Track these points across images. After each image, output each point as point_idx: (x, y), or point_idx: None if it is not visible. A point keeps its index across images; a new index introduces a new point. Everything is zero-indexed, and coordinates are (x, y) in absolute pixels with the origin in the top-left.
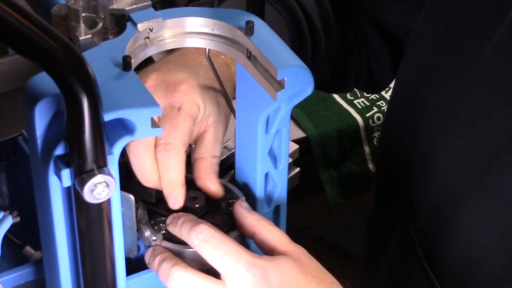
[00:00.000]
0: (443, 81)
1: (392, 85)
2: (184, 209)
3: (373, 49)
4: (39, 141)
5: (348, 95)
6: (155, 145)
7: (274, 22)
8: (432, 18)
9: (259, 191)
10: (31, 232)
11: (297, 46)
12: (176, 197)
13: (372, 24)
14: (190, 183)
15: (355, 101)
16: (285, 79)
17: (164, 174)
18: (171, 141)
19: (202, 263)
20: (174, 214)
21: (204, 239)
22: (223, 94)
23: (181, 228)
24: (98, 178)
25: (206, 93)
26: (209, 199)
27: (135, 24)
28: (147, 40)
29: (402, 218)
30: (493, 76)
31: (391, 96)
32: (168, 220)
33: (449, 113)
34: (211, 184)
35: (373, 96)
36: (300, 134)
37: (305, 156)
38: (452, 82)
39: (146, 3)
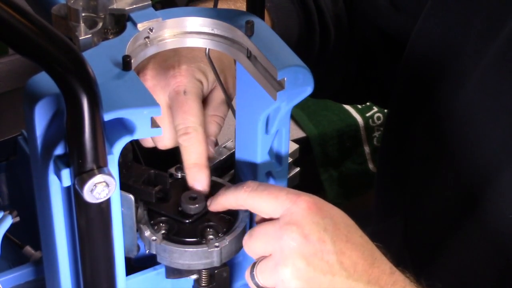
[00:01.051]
0: (435, 101)
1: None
2: (183, 209)
3: (381, 60)
4: (39, 141)
5: None
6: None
7: (284, 9)
8: (425, 35)
9: None
10: (31, 232)
11: (305, 35)
12: (200, 180)
13: (377, 35)
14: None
15: None
16: (285, 79)
17: (187, 158)
18: (189, 124)
19: (202, 263)
20: (214, 196)
21: (252, 189)
22: (223, 92)
23: (225, 194)
24: (98, 178)
25: (205, 66)
26: (209, 199)
27: (135, 24)
28: (147, 40)
29: (396, 238)
30: (485, 98)
31: (386, 115)
32: (209, 202)
33: (441, 134)
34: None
35: None
36: (300, 134)
37: (305, 156)
38: (444, 102)
39: (146, 3)
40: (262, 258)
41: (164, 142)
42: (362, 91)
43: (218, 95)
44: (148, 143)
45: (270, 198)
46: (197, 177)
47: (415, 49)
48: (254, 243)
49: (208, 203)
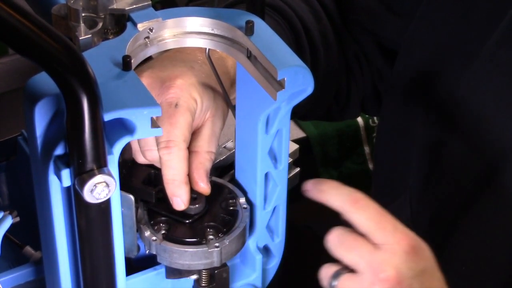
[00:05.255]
0: (440, 84)
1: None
2: (184, 210)
3: (377, 68)
4: (39, 141)
5: None
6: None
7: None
8: (427, 22)
9: (259, 191)
10: (31, 232)
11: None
12: (180, 196)
13: (373, 42)
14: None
15: None
16: (285, 79)
17: (166, 172)
18: (172, 138)
19: (202, 263)
20: (313, 180)
21: (360, 208)
22: (222, 92)
23: (329, 194)
24: (98, 178)
25: (202, 87)
26: (209, 199)
27: (135, 24)
28: (147, 40)
29: (402, 222)
30: (495, 77)
31: (383, 104)
32: (308, 186)
33: (450, 116)
34: (199, 180)
35: None
36: (300, 134)
37: (305, 156)
38: (450, 84)
39: (146, 3)
40: (347, 271)
41: (153, 153)
42: (355, 105)
43: (211, 128)
44: (141, 159)
45: (376, 225)
46: (176, 192)
47: (415, 40)
48: (343, 252)
49: (307, 186)
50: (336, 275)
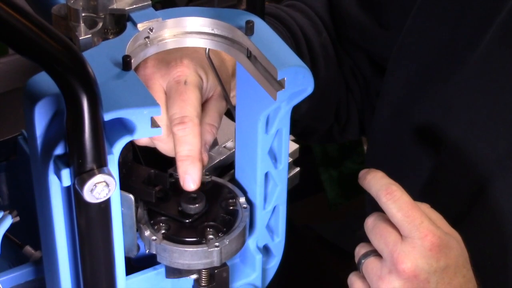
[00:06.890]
0: (431, 92)
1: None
2: (183, 209)
3: (374, 86)
4: (39, 140)
5: None
6: (171, 122)
7: None
8: (414, 34)
9: (259, 190)
10: (30, 232)
11: None
12: (191, 174)
13: (366, 59)
14: None
15: None
16: (285, 78)
17: (181, 149)
18: (186, 114)
19: (202, 262)
20: (365, 170)
21: (392, 199)
22: (223, 92)
23: (369, 183)
24: (98, 177)
25: (207, 67)
26: (208, 198)
27: (135, 24)
28: (147, 40)
29: None
30: (487, 82)
31: (375, 114)
32: (360, 173)
33: (441, 123)
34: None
35: None
36: None
37: (305, 155)
38: (441, 91)
39: (146, 3)
40: (375, 254)
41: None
42: (355, 125)
43: (215, 105)
44: (142, 141)
45: (404, 218)
46: (189, 170)
47: (405, 50)
48: (373, 237)
49: (360, 173)
50: (365, 255)
